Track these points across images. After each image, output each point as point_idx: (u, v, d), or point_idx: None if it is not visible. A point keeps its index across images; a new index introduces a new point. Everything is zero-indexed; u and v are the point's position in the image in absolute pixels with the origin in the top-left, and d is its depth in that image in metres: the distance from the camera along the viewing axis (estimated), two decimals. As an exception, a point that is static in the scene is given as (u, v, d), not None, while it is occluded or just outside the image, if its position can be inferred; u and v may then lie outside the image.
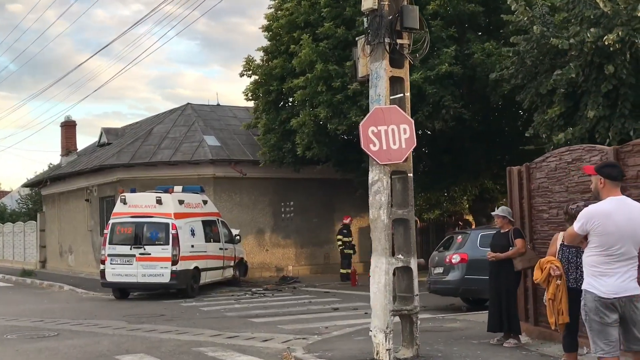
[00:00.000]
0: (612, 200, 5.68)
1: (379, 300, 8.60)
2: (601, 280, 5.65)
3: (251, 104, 24.41)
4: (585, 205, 7.18)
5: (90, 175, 27.29)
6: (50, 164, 38.55)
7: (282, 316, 14.39)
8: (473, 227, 23.68)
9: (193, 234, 19.12)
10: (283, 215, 26.04)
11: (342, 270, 22.73)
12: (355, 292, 19.30)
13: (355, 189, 23.03)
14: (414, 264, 8.86)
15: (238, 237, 22.04)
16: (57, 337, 11.91)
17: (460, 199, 26.95)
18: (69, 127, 32.82)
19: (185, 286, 18.46)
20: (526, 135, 16.36)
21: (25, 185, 39.09)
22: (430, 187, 23.07)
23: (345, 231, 22.95)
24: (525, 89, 14.95)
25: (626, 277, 5.64)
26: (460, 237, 15.18)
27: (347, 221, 23.23)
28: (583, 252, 7.01)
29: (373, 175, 8.76)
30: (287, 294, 19.37)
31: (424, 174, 21.97)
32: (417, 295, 8.86)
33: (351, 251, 22.87)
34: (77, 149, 32.84)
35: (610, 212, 5.62)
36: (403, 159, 8.69)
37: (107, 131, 30.73)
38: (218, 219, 21.15)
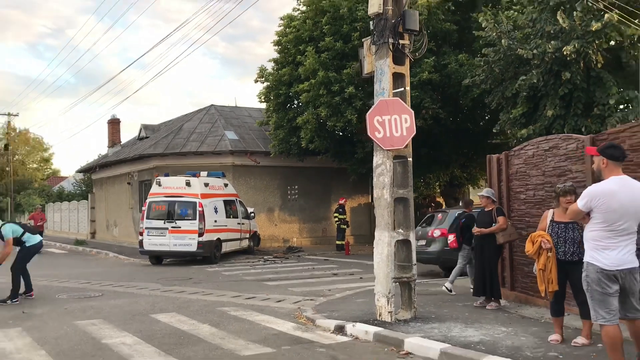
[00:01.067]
0: (616, 179, 4.80)
1: (381, 269, 7.72)
2: (604, 253, 4.78)
3: (264, 105, 23.63)
4: (572, 186, 6.39)
5: (131, 163, 26.43)
6: (100, 154, 37.53)
7: (291, 280, 13.51)
8: (443, 207, 22.91)
9: (216, 211, 18.33)
10: (289, 197, 25.24)
11: (337, 242, 22.06)
12: (349, 259, 18.53)
13: (349, 176, 22.36)
14: (412, 237, 7.98)
15: (252, 214, 21.30)
16: (101, 298, 11.00)
17: (434, 185, 26.12)
18: (114, 124, 31.89)
19: (209, 254, 17.66)
20: (493, 131, 15.74)
21: (79, 171, 38.01)
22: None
23: (340, 210, 22.33)
24: (493, 93, 14.39)
25: (627, 251, 4.78)
26: (440, 215, 14.31)
27: (342, 202, 22.66)
28: (572, 227, 6.20)
29: (377, 159, 7.86)
30: (293, 262, 18.50)
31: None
32: (414, 264, 7.99)
33: (345, 226, 22.24)
34: (121, 142, 31.90)
35: (614, 190, 4.75)
36: (404, 145, 7.84)
37: (145, 127, 29.74)
38: (236, 199, 20.35)
